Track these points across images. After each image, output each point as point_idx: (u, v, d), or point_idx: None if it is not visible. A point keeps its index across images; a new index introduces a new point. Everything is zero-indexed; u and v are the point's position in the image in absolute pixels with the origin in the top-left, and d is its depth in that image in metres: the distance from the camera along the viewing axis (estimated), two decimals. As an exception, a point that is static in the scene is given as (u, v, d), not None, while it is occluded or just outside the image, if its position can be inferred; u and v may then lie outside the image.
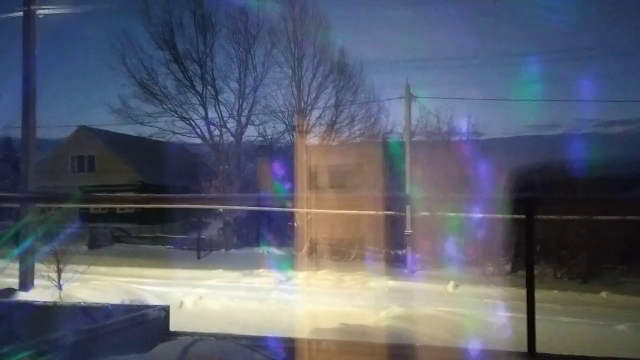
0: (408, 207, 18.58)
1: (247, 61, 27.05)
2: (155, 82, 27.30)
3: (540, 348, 3.05)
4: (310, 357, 3.68)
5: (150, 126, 28.06)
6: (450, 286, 16.19)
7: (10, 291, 11.21)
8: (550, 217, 15.92)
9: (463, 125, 26.75)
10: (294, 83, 26.72)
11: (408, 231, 20.38)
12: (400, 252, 21.18)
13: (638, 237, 18.16)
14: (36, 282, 12.21)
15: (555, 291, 15.58)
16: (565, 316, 12.28)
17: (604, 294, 15.76)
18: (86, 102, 45.75)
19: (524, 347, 3.05)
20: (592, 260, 18.18)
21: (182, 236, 26.65)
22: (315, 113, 27.03)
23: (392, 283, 17.07)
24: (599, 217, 17.25)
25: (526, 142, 25.96)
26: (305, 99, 26.80)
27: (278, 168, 22.26)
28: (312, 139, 26.16)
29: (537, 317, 2.97)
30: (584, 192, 17.50)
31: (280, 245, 24.06)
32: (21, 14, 12.46)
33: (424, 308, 11.50)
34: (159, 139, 28.98)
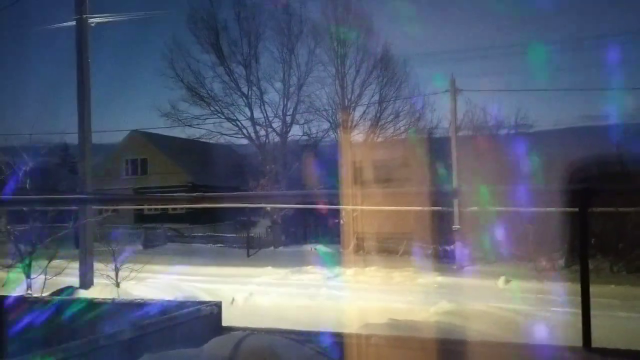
0: (455, 202, 18.28)
1: (290, 61, 27.27)
2: (202, 85, 27.92)
3: (596, 343, 2.97)
4: (360, 351, 3.70)
5: (198, 128, 28.71)
6: (500, 281, 15.84)
7: (71, 289, 11.75)
8: (606, 209, 15.32)
9: (512, 117, 26.12)
10: (337, 81, 26.74)
11: (456, 226, 20.06)
12: (448, 248, 20.88)
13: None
14: (95, 280, 12.75)
15: (612, 285, 14.99)
16: (623, 311, 11.82)
17: (665, 289, 15.06)
18: (137, 106, 47.38)
19: (579, 343, 2.98)
20: (652, 254, 17.39)
21: (232, 235, 27.16)
22: (360, 110, 27.01)
23: (441, 279, 16.85)
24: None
25: (580, 133, 25.00)
26: (349, 96, 26.79)
27: (324, 166, 22.33)
28: (357, 136, 26.14)
29: (593, 312, 2.90)
30: (642, 183, 16.71)
31: (327, 242, 24.16)
32: (74, 23, 13.00)
33: (474, 304, 11.29)
34: (208, 141, 29.59)
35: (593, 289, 2.92)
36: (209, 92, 27.92)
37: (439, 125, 26.16)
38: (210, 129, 28.46)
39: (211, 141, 29.53)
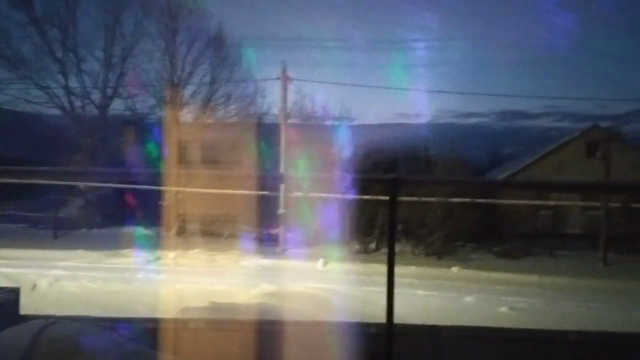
0: (282, 187, 18.79)
1: (114, 29, 25.29)
2: (9, 45, 24.57)
3: (398, 319, 3.26)
4: (176, 336, 3.59)
5: (1, 93, 25.29)
6: (319, 264, 16.74)
7: None
8: (412, 198, 17.08)
9: (337, 109, 27.53)
10: (167, 57, 25.55)
11: (281, 211, 20.64)
12: (273, 232, 21.40)
13: (486, 217, 20.22)
14: None
15: (414, 267, 16.81)
16: (422, 289, 13.32)
17: (455, 269, 17.32)
18: None
19: (383, 319, 3.24)
20: (446, 239, 19.84)
21: (37, 214, 24.45)
22: (190, 89, 26.17)
23: (264, 261, 17.24)
24: (453, 200, 18.85)
25: (394, 129, 27.47)
26: (179, 73, 25.78)
27: (147, 144, 21.26)
28: (186, 116, 25.29)
29: (397, 290, 3.16)
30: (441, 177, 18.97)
31: (148, 224, 23.05)
32: None
33: (294, 285, 11.79)
34: (11, 108, 26.19)
35: (397, 270, 3.17)
36: (17, 53, 24.72)
37: (270, 112, 26.55)
38: (16, 95, 25.25)
39: (15, 109, 26.19)
